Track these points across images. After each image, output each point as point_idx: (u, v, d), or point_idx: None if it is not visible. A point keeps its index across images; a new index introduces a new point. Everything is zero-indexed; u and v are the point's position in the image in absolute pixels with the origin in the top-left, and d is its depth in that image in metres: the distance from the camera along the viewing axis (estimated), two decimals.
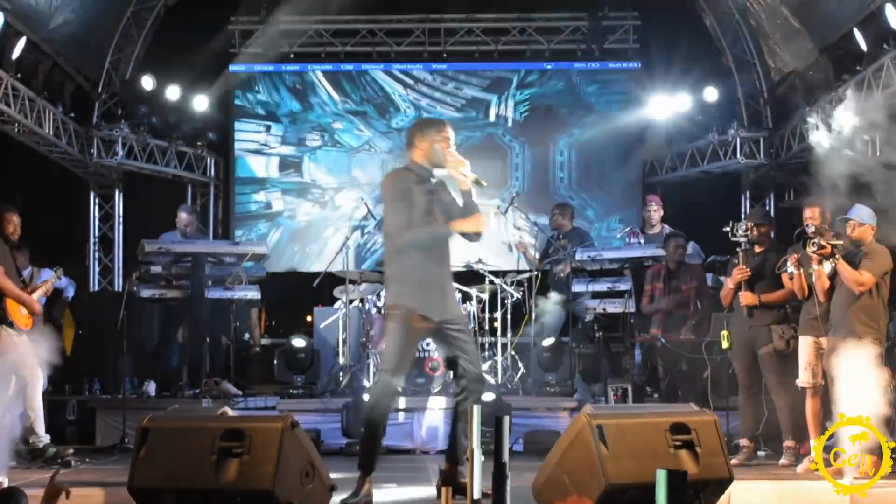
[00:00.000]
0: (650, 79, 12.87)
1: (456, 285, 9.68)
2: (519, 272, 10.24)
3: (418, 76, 13.19)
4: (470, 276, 10.09)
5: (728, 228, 7.23)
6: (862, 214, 6.55)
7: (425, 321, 5.40)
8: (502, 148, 13.04)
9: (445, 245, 5.54)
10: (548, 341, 9.55)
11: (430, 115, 12.35)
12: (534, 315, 9.87)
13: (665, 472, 3.15)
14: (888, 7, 8.74)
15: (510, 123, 13.09)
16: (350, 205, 12.80)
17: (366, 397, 5.37)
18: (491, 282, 9.82)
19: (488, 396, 8.25)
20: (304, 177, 13.12)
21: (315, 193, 13.13)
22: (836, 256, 6.38)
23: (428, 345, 9.06)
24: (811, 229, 6.62)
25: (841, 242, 6.43)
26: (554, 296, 10.02)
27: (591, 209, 12.91)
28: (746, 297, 7.18)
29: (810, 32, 10.88)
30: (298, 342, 9.65)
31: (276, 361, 9.87)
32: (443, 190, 5.60)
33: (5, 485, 5.17)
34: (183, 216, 10.22)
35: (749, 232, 7.21)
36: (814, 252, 6.40)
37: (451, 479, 5.29)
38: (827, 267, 6.52)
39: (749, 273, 7.21)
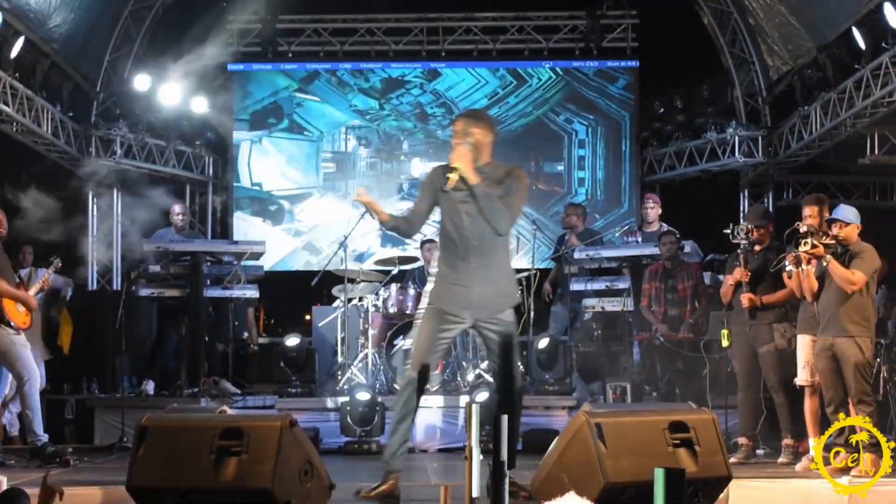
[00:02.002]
0: (648, 77, 12.90)
1: None
2: (518, 271, 10.22)
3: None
4: None
5: (728, 231, 7.22)
6: (847, 214, 6.54)
7: None
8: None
9: None
10: (543, 342, 9.55)
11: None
12: (533, 315, 9.87)
13: (664, 470, 3.15)
14: (887, 6, 8.74)
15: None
16: (347, 202, 12.79)
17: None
18: None
19: (483, 396, 8.25)
20: (301, 174, 13.16)
21: (311, 192, 13.15)
22: (827, 256, 6.37)
23: None
24: (802, 229, 6.59)
25: (832, 242, 6.42)
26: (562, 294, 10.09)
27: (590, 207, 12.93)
28: (748, 299, 7.18)
29: (809, 31, 10.89)
30: (291, 341, 9.65)
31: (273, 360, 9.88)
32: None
33: (4, 485, 5.16)
34: (176, 207, 10.22)
35: (749, 234, 7.21)
36: (805, 252, 6.39)
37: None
38: (813, 266, 6.51)
39: (749, 275, 7.20)
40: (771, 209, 12.44)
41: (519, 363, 5.51)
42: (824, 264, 6.41)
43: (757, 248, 7.33)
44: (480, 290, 5.36)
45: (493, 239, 5.37)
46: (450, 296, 5.40)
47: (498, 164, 5.50)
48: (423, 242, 10.34)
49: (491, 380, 9.35)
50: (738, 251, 7.26)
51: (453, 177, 5.29)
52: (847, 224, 6.50)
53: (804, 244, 6.35)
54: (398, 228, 5.66)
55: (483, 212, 5.30)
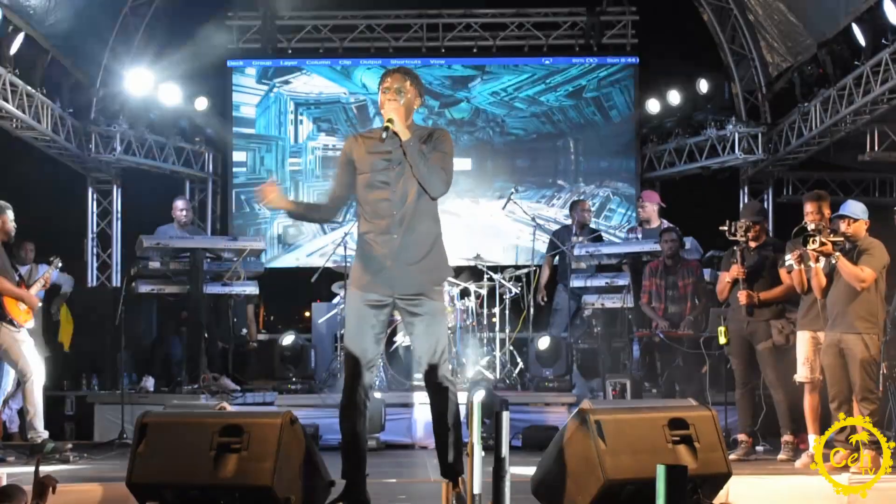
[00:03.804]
0: (648, 74, 12.89)
1: (454, 280, 9.75)
2: (517, 267, 10.25)
3: None
4: (468, 272, 10.08)
5: (725, 227, 7.21)
6: (855, 210, 6.54)
7: None
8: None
9: None
10: (543, 340, 9.55)
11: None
12: (533, 312, 9.88)
13: (664, 467, 3.15)
14: (887, 2, 8.73)
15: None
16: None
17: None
18: (490, 278, 9.81)
19: (479, 394, 8.24)
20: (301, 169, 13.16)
21: (312, 186, 13.14)
22: (836, 253, 6.36)
23: None
24: (811, 226, 6.58)
25: (840, 239, 6.41)
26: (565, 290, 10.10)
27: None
28: (745, 296, 7.17)
29: (808, 27, 10.89)
30: (287, 340, 9.64)
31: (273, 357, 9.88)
32: None
33: (3, 480, 5.15)
34: (179, 203, 10.21)
35: (748, 230, 7.20)
36: (814, 250, 6.38)
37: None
38: (822, 263, 6.51)
39: (745, 272, 7.20)
40: (771, 206, 12.46)
41: (446, 352, 4.98)
42: (833, 262, 6.40)
43: (752, 244, 7.32)
44: (401, 266, 4.80)
45: (415, 209, 4.80)
46: (368, 275, 4.86)
47: (420, 125, 5.02)
48: None
49: (490, 376, 9.37)
50: (735, 248, 7.26)
51: (390, 126, 4.73)
52: (855, 220, 6.49)
53: (812, 242, 6.33)
54: (307, 216, 5.25)
55: (416, 172, 4.75)
